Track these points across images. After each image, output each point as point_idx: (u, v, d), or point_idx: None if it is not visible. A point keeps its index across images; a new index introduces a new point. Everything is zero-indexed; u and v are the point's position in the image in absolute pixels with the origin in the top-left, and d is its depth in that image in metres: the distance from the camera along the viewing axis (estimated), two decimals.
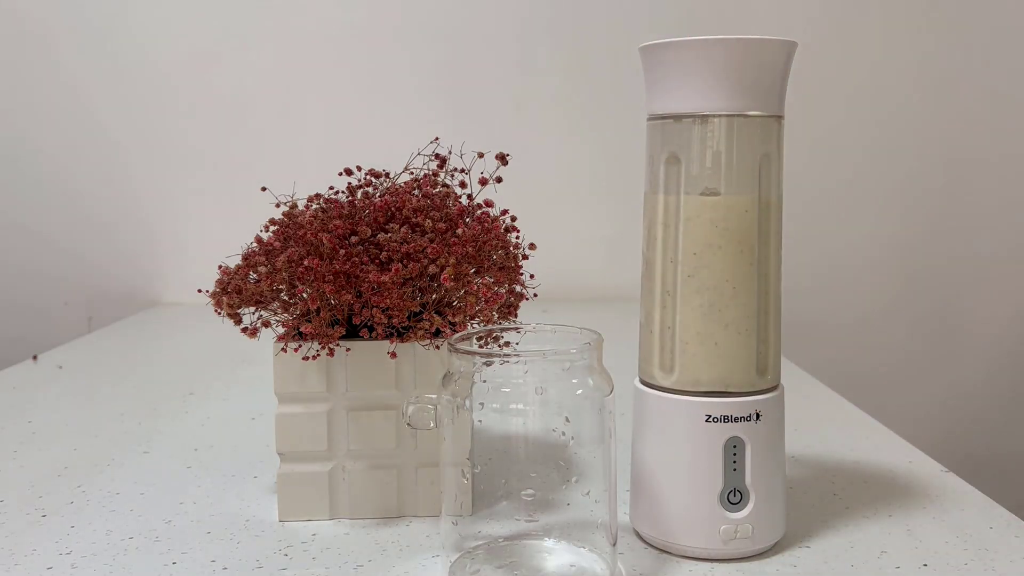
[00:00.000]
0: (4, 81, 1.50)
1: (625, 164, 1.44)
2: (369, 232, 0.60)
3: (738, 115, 0.55)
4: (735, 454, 0.55)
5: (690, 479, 0.56)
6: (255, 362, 1.10)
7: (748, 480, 0.56)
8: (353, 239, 0.60)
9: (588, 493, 0.53)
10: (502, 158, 0.63)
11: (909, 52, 1.50)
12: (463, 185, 0.65)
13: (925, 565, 0.56)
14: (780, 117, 0.56)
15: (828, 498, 0.67)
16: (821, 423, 0.86)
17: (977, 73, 1.51)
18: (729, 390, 0.56)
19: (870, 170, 1.52)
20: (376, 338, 0.60)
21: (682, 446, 0.56)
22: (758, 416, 0.56)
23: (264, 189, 0.67)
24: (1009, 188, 1.53)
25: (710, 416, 0.55)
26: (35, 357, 1.15)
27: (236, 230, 0.73)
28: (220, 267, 0.63)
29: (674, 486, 0.56)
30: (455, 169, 0.65)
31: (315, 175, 0.75)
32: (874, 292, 1.56)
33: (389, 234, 0.60)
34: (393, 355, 0.61)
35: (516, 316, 0.64)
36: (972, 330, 1.58)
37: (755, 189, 0.55)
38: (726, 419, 0.55)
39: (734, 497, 0.55)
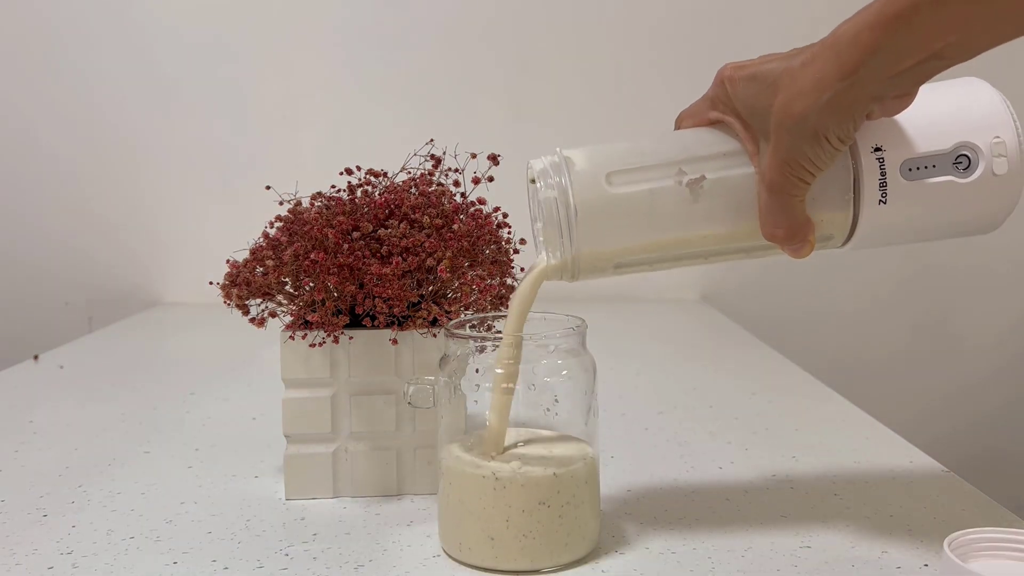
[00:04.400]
0: (6, 80, 1.50)
1: None
2: (370, 228, 0.64)
3: None
4: None
5: None
6: (255, 362, 1.10)
7: None
8: (355, 234, 0.63)
9: None
10: (494, 159, 0.66)
11: None
12: (457, 184, 0.68)
13: (926, 565, 0.56)
14: None
15: (828, 498, 0.67)
16: (821, 423, 0.86)
17: (978, 72, 1.51)
18: None
19: None
20: (378, 327, 0.64)
21: None
22: None
23: (268, 188, 0.70)
24: None
25: None
26: (36, 357, 1.15)
27: (236, 230, 0.74)
28: (228, 261, 0.67)
29: None
30: (449, 168, 0.69)
31: (315, 175, 0.75)
32: (875, 291, 1.56)
33: (389, 230, 0.64)
34: (395, 341, 0.64)
35: (508, 306, 0.66)
36: (973, 329, 1.58)
37: None
38: None
39: (962, 160, 0.53)
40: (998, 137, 0.53)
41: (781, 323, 1.50)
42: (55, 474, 0.73)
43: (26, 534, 0.61)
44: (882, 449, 0.78)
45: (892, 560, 0.56)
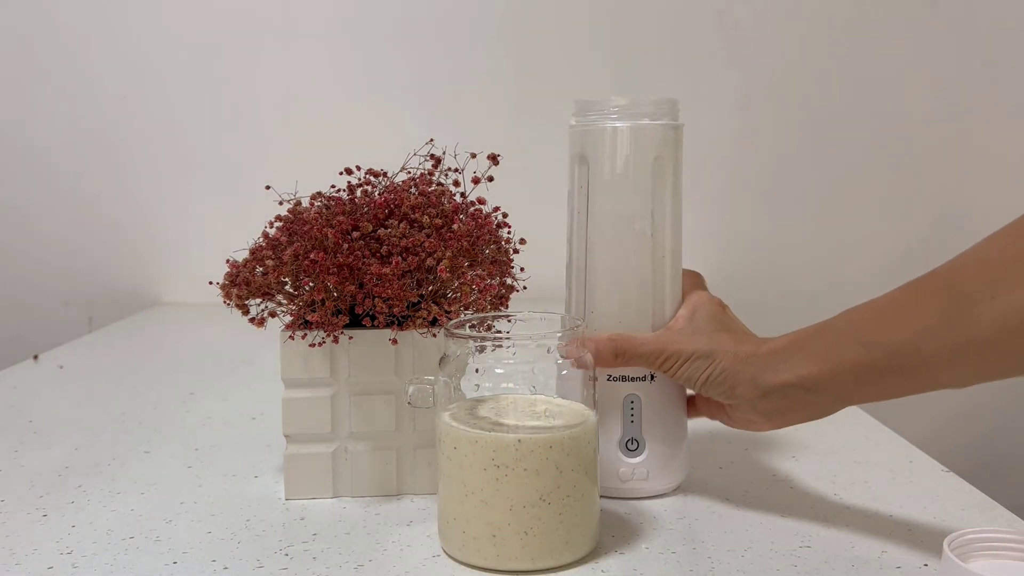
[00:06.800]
0: (6, 79, 1.50)
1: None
2: (370, 227, 0.64)
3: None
4: (632, 409, 0.65)
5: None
6: (255, 362, 1.10)
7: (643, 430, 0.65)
8: (355, 234, 0.63)
9: None
10: (494, 159, 0.66)
11: (911, 49, 1.50)
12: (457, 184, 0.69)
13: (925, 565, 0.56)
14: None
15: (828, 498, 0.67)
16: (821, 423, 0.86)
17: (979, 72, 1.51)
18: None
19: (871, 170, 1.52)
20: (378, 327, 0.64)
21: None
22: (652, 377, 0.65)
23: (268, 188, 0.70)
24: (1011, 185, 1.53)
25: (611, 376, 0.65)
26: (36, 357, 1.15)
27: (236, 230, 0.74)
28: (228, 261, 0.66)
29: None
30: (449, 168, 0.69)
31: (314, 175, 0.75)
32: (875, 290, 1.56)
33: (389, 229, 0.64)
34: (395, 341, 0.65)
35: (507, 306, 0.68)
36: None
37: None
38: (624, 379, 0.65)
39: (632, 444, 0.65)
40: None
41: (781, 323, 1.50)
42: (55, 474, 0.73)
43: (26, 534, 0.61)
44: (882, 449, 0.78)
45: (892, 560, 0.56)
